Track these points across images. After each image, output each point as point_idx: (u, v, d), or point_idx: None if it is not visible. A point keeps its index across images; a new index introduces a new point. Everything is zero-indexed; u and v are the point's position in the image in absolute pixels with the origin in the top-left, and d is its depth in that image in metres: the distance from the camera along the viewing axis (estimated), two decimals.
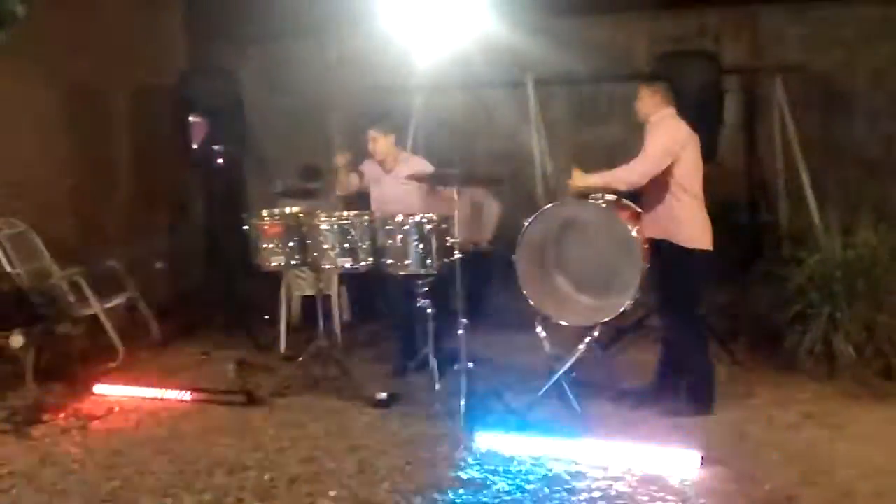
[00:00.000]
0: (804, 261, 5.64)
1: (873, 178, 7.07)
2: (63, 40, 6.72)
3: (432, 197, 5.58)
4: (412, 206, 5.47)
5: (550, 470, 4.22)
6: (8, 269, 5.95)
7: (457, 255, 4.96)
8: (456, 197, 4.99)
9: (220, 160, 6.69)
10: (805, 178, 6.83)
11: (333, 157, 5.85)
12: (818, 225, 6.31)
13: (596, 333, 5.00)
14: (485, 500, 3.97)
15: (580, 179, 4.81)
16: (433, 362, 5.28)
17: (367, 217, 5.34)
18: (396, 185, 5.62)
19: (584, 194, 4.94)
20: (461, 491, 4.05)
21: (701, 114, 5.17)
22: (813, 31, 7.42)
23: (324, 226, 5.25)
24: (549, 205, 5.11)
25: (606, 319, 4.89)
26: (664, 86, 4.82)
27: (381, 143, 5.74)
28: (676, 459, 4.19)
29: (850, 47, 7.31)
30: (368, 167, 5.89)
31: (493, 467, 4.28)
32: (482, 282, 6.75)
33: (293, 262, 5.47)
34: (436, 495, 4.01)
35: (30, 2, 5.04)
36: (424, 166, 5.69)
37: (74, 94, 7.04)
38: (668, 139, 4.66)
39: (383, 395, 5.21)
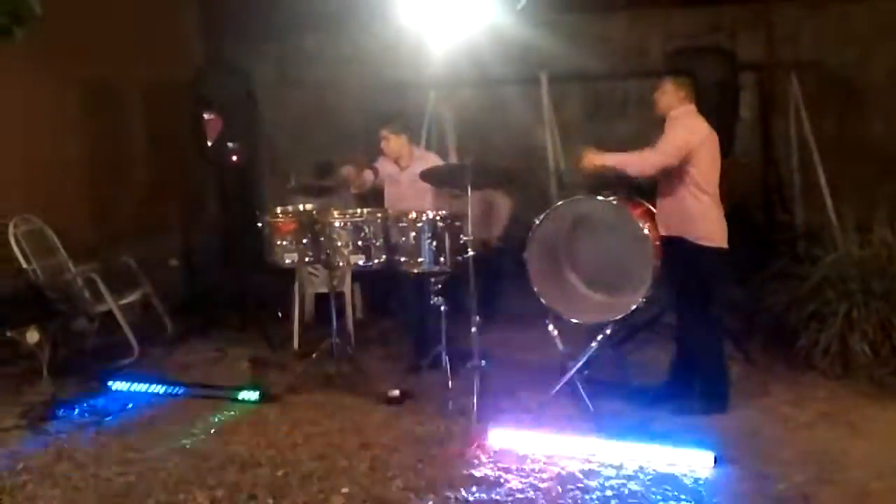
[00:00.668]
0: (820, 259, 5.60)
1: (890, 176, 7.01)
2: (78, 37, 6.74)
3: (445, 196, 5.57)
4: (427, 204, 5.46)
5: (563, 468, 4.21)
6: (24, 265, 5.99)
7: (470, 252, 4.95)
8: (469, 194, 4.97)
9: (234, 157, 6.70)
10: (821, 176, 6.79)
11: (340, 170, 5.87)
12: (834, 223, 6.27)
13: (608, 331, 4.98)
14: (497, 498, 3.96)
15: (593, 158, 4.77)
16: (446, 360, 5.27)
17: (380, 214, 5.35)
18: (412, 182, 5.62)
19: (594, 187, 4.91)
20: (474, 489, 4.04)
21: (716, 110, 5.13)
22: (828, 27, 7.36)
23: (337, 223, 5.25)
24: (561, 202, 5.09)
25: (619, 317, 4.87)
26: (690, 82, 4.79)
27: (392, 142, 5.75)
28: (690, 458, 4.17)
29: (866, 43, 7.25)
30: (384, 165, 5.89)
31: (505, 465, 4.27)
32: (495, 279, 6.74)
33: (307, 260, 5.48)
34: (448, 493, 4.00)
35: None
36: (437, 163, 5.69)
37: (89, 91, 7.08)
38: (686, 135, 4.63)
39: (396, 392, 5.21)
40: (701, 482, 4.02)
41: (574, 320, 4.99)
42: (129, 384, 5.59)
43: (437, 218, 5.08)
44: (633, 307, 4.76)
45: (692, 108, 4.76)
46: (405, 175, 5.74)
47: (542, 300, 5.01)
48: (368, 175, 5.87)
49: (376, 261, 5.27)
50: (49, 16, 5.01)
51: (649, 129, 4.86)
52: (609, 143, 7.44)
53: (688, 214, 4.69)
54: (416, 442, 4.61)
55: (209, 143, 6.73)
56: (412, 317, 5.87)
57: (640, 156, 4.69)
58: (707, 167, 4.66)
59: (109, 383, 5.61)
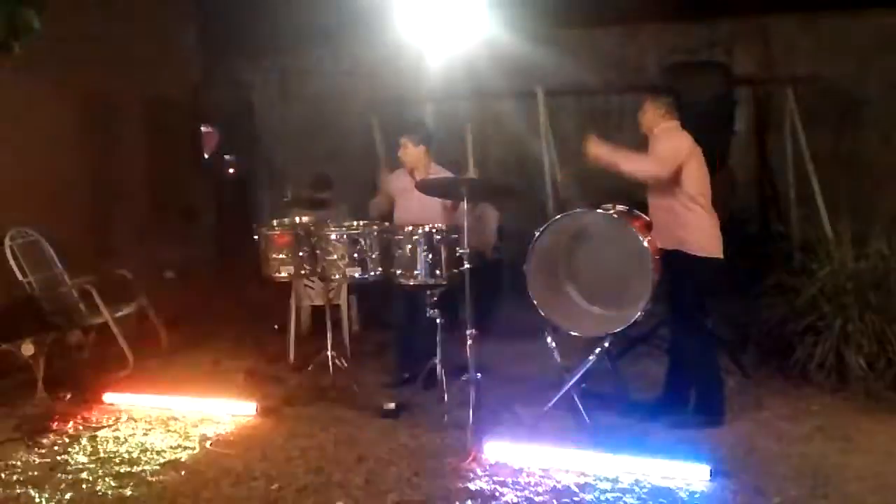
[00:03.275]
0: (815, 272, 5.62)
1: (885, 189, 7.05)
2: (78, 51, 6.77)
3: (450, 210, 5.54)
4: (437, 219, 5.41)
5: (559, 482, 4.20)
6: (19, 277, 5.99)
7: (466, 265, 4.95)
8: (465, 206, 4.96)
9: (231, 169, 6.71)
10: (816, 189, 6.82)
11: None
12: (830, 236, 6.29)
13: (606, 344, 4.97)
14: None
15: (594, 146, 4.80)
16: (442, 373, 5.26)
17: (376, 227, 5.35)
18: (424, 196, 5.59)
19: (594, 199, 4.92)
20: (469, 502, 4.03)
21: (712, 124, 5.16)
22: (824, 42, 7.42)
23: (333, 236, 5.25)
24: (561, 215, 5.09)
25: (617, 330, 4.87)
26: (668, 100, 4.83)
27: (410, 151, 5.70)
28: (686, 472, 4.16)
29: (862, 57, 7.31)
30: (398, 177, 5.85)
31: (501, 479, 4.26)
32: (491, 292, 6.73)
33: (303, 272, 5.48)
34: None
35: (45, 13, 5.09)
36: None
37: (88, 104, 7.10)
38: (674, 146, 4.68)
39: (392, 405, 5.19)
40: (696, 496, 4.01)
41: (572, 333, 4.98)
42: (123, 396, 5.58)
43: (434, 231, 5.09)
44: (632, 320, 4.76)
45: (675, 124, 4.81)
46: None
47: (541, 312, 5.01)
48: (384, 203, 5.86)
49: (372, 273, 5.27)
50: (48, 30, 5.04)
51: (644, 145, 4.88)
52: None
53: (682, 226, 4.70)
54: (411, 455, 4.60)
55: (206, 156, 6.75)
56: (402, 330, 5.84)
57: (637, 159, 4.74)
58: (697, 178, 4.69)
59: (105, 396, 5.59)
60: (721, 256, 4.72)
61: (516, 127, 7.66)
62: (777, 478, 4.16)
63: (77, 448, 4.87)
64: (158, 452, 4.77)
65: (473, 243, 5.12)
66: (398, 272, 5.16)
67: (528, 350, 5.80)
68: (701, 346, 4.83)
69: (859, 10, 7.23)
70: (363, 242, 5.24)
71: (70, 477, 4.47)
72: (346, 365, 5.67)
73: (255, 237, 5.51)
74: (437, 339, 5.27)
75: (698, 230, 4.69)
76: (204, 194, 8.07)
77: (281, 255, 5.40)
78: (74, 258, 6.48)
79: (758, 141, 7.69)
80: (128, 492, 4.27)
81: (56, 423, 5.22)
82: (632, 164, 4.72)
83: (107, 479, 4.42)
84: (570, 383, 4.94)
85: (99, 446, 4.89)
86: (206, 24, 8.50)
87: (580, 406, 4.86)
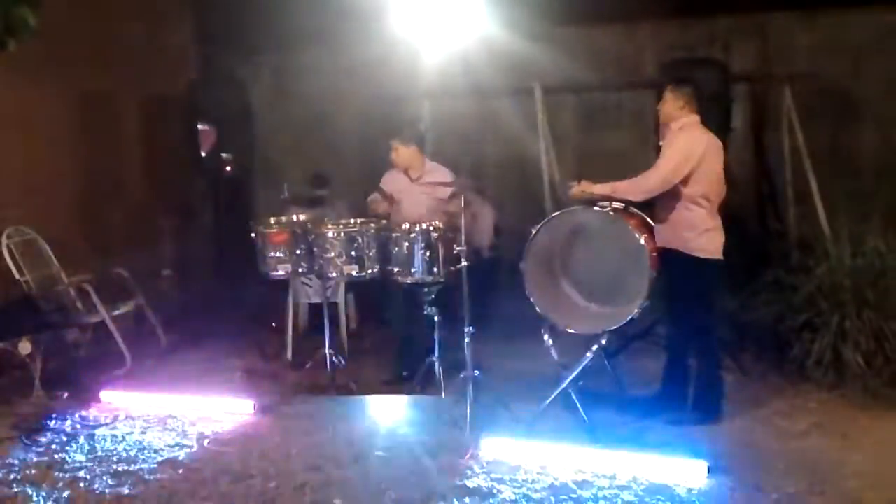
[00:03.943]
0: (813, 269, 5.62)
1: (882, 186, 7.04)
2: (74, 49, 6.76)
3: (450, 207, 5.55)
4: (438, 216, 5.43)
5: (556, 479, 4.20)
6: (16, 276, 5.98)
7: (463, 262, 4.95)
8: (463, 204, 4.96)
9: (227, 167, 6.70)
10: (814, 186, 6.81)
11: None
12: (827, 233, 6.29)
13: (603, 341, 4.97)
14: None
15: (586, 187, 4.81)
16: (439, 370, 5.26)
17: (373, 225, 5.35)
18: (423, 193, 5.60)
19: (589, 202, 4.91)
20: (467, 500, 4.03)
21: (709, 121, 5.14)
22: (822, 39, 7.41)
23: (330, 234, 5.26)
24: (558, 212, 5.08)
25: (614, 327, 4.86)
26: (689, 91, 4.76)
27: (402, 153, 5.73)
28: (683, 469, 4.16)
29: (860, 55, 7.30)
30: (394, 178, 5.86)
31: (499, 476, 4.26)
32: (488, 289, 6.73)
33: (300, 270, 5.48)
34: None
35: (41, 11, 5.08)
36: (447, 176, 5.70)
37: (85, 102, 7.08)
38: (684, 155, 4.62)
39: (389, 403, 5.19)
40: (694, 492, 4.02)
41: (569, 330, 4.98)
42: (121, 395, 5.57)
43: (431, 228, 5.09)
44: (629, 317, 4.75)
45: (694, 119, 4.75)
46: (416, 186, 5.72)
47: (538, 310, 5.00)
48: (383, 205, 5.87)
49: (370, 271, 5.29)
50: (45, 28, 5.03)
51: (642, 141, 4.88)
52: (602, 154, 7.56)
53: (682, 226, 4.69)
54: (409, 453, 4.60)
55: (203, 155, 6.74)
56: (399, 327, 5.85)
57: (635, 182, 4.69)
58: (704, 180, 4.65)
59: (102, 394, 5.58)
60: (721, 258, 4.72)
61: (514, 124, 7.65)
62: (774, 474, 4.17)
63: (74, 446, 4.87)
64: (156, 451, 4.76)
65: (469, 241, 5.13)
66: (395, 270, 5.17)
67: (526, 348, 5.80)
68: (703, 345, 4.83)
69: (857, 7, 7.22)
70: (360, 240, 5.25)
71: (67, 475, 4.46)
72: (343, 363, 5.68)
73: (253, 235, 5.50)
74: (435, 336, 5.28)
75: (699, 231, 4.67)
76: (201, 192, 8.06)
77: (278, 253, 5.41)
78: (71, 256, 6.47)
79: (755, 138, 7.68)
80: (125, 490, 4.27)
81: (53, 422, 5.22)
82: (634, 192, 4.71)
83: (104, 478, 4.42)
84: (568, 380, 4.93)
85: (96, 445, 4.89)
86: (203, 22, 8.49)
87: (577, 403, 4.85)
